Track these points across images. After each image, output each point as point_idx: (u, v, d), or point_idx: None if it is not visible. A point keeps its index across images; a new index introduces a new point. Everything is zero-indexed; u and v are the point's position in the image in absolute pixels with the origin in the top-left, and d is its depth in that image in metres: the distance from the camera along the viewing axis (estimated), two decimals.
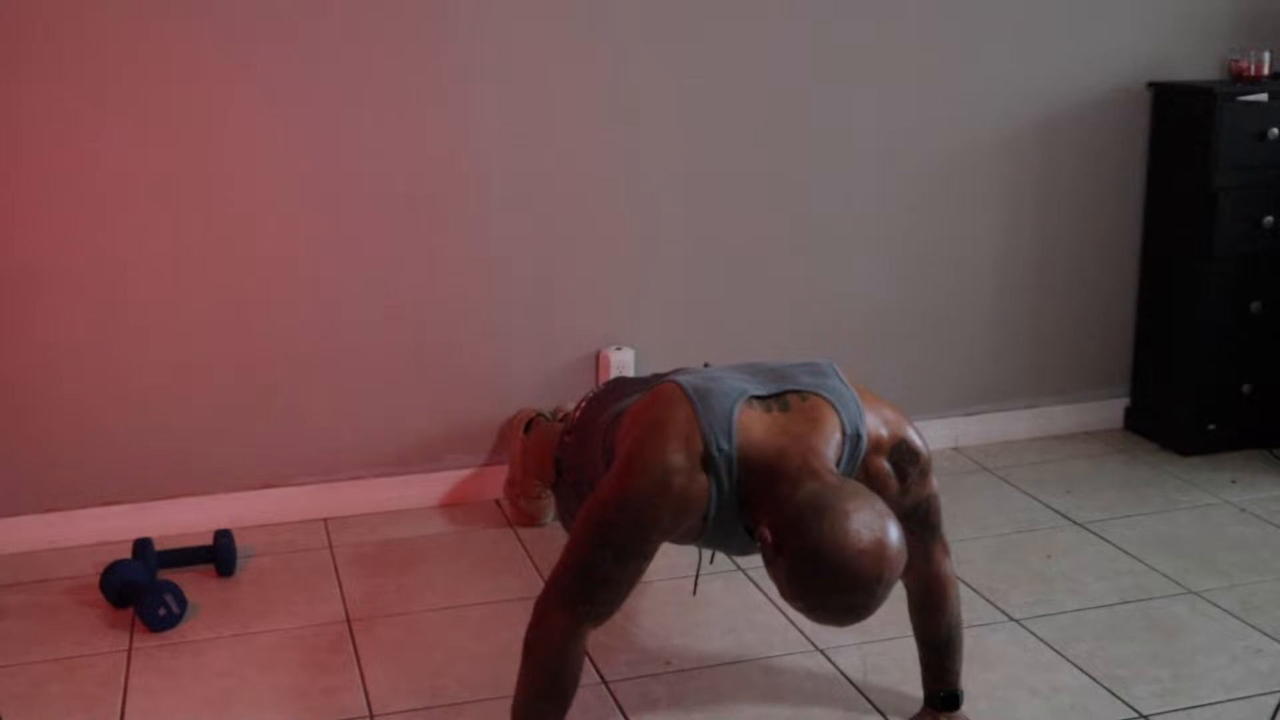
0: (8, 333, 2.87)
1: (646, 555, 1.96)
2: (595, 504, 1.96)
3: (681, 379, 2.01)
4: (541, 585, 2.78)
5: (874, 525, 1.77)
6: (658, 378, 2.40)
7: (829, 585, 1.77)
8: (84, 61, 2.79)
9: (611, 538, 1.93)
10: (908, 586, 2.20)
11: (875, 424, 2.00)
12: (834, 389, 1.99)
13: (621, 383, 2.52)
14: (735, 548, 2.10)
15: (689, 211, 3.27)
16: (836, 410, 1.96)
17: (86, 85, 2.80)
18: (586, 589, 1.96)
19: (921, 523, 2.10)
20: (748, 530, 1.96)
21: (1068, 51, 3.47)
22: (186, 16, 2.83)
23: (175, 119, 2.87)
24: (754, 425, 1.92)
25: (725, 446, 1.90)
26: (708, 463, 1.90)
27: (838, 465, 1.94)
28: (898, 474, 2.03)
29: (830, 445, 1.93)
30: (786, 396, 1.98)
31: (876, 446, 2.00)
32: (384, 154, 3.02)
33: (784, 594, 1.84)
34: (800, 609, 1.83)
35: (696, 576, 2.55)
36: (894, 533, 1.78)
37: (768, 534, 1.83)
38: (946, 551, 2.19)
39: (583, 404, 2.51)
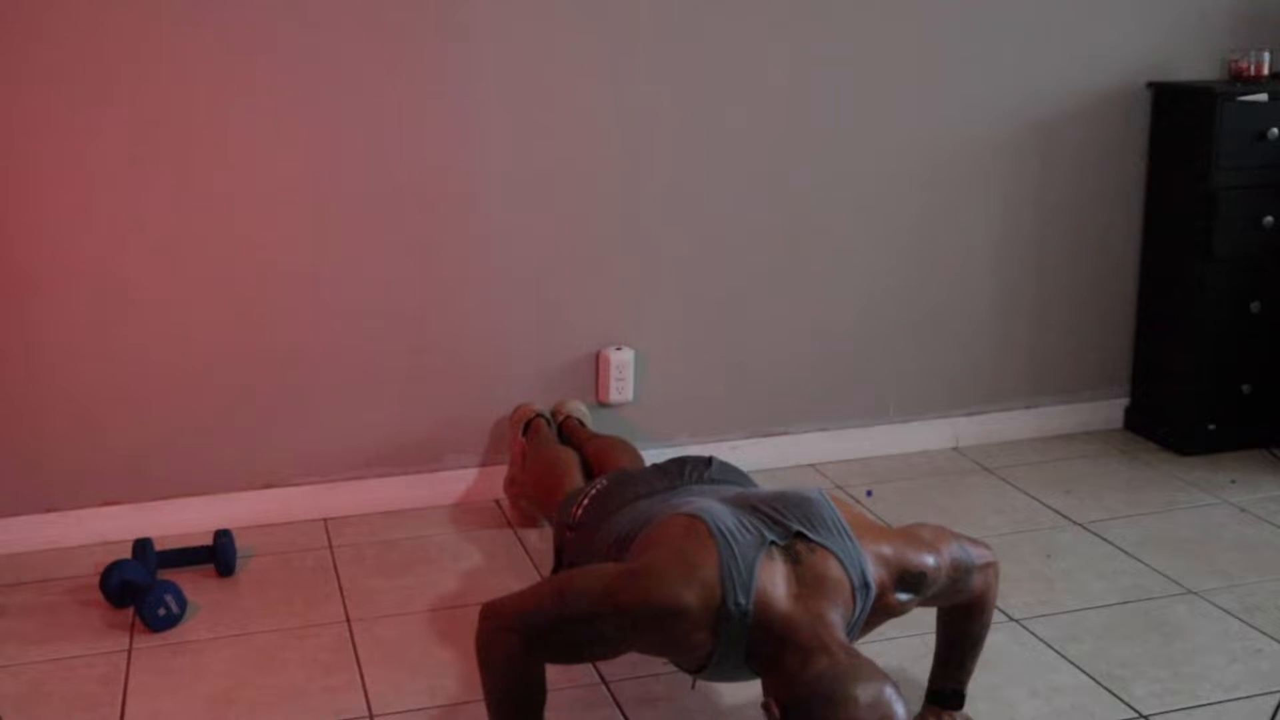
0: (8, 333, 2.87)
1: (618, 652, 1.96)
2: (599, 585, 1.92)
3: (706, 516, 1.98)
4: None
5: (883, 710, 1.76)
6: (671, 490, 2.34)
7: None
8: (84, 63, 2.79)
9: (594, 623, 1.91)
10: None
11: (877, 568, 1.99)
12: (837, 543, 1.97)
13: (624, 484, 2.43)
14: (734, 679, 2.07)
15: (689, 212, 3.27)
16: (843, 565, 1.95)
17: (87, 86, 2.80)
18: (546, 636, 1.94)
19: (955, 579, 2.10)
20: (751, 669, 1.95)
21: (1067, 52, 3.47)
22: (187, 18, 2.83)
23: (175, 121, 2.87)
24: (772, 583, 1.90)
25: (743, 602, 1.88)
26: (719, 615, 1.88)
27: (853, 616, 1.94)
28: (915, 590, 2.03)
29: (840, 609, 1.92)
30: (796, 546, 1.96)
31: (883, 589, 2.00)
32: (384, 154, 3.02)
33: None
34: None
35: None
36: (901, 715, 1.78)
37: (775, 709, 1.82)
38: (988, 565, 2.17)
39: (585, 502, 2.44)
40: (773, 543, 1.94)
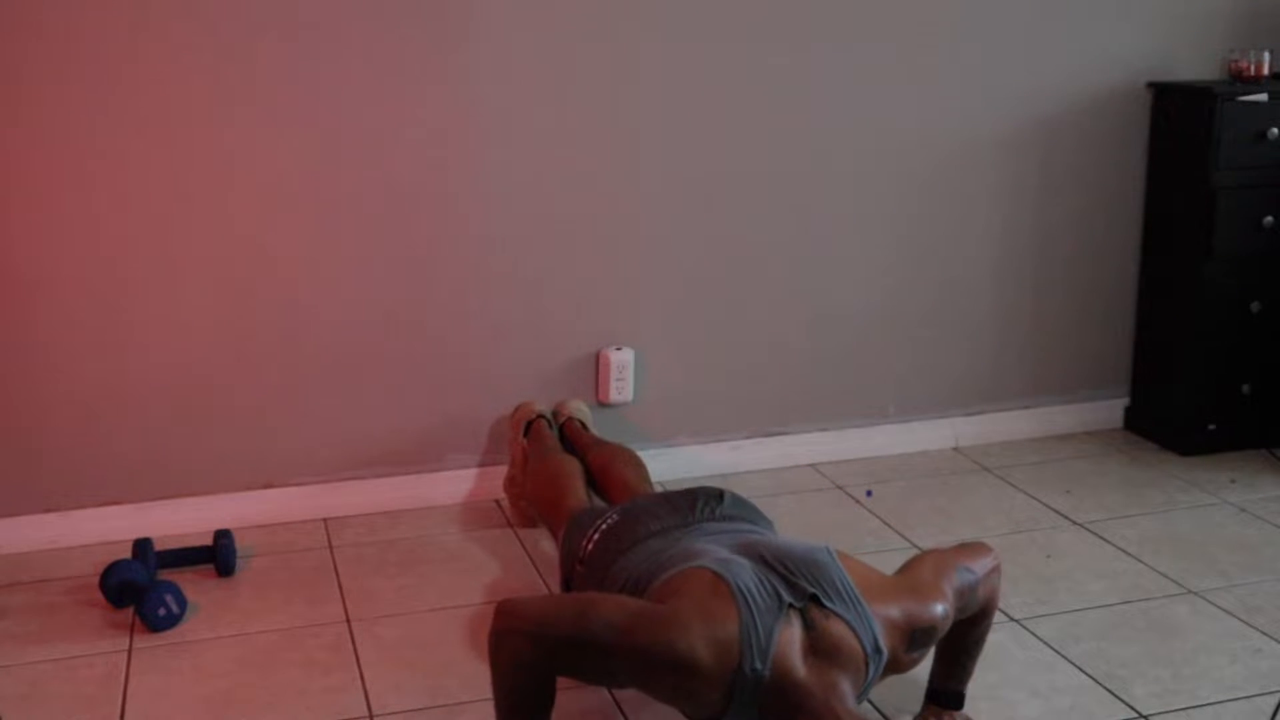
0: (8, 333, 2.87)
1: (624, 686, 1.98)
2: (621, 619, 1.91)
3: (728, 576, 1.97)
4: (541, 585, 2.80)
5: None
6: (683, 528, 2.31)
7: None
8: (84, 63, 2.79)
9: (607, 655, 1.90)
10: None
11: (888, 633, 2.00)
12: (849, 612, 1.97)
13: (636, 520, 2.39)
14: None
15: (689, 211, 3.27)
16: (856, 634, 1.96)
17: (87, 86, 2.80)
18: (558, 653, 1.93)
19: (962, 605, 2.11)
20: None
21: (1068, 51, 3.47)
22: (187, 18, 2.83)
23: (174, 121, 2.87)
24: (789, 649, 1.91)
25: (759, 667, 1.89)
26: (735, 678, 1.88)
27: (865, 682, 1.96)
28: (926, 645, 2.04)
29: (852, 676, 1.93)
30: (812, 612, 1.96)
31: (895, 652, 2.01)
32: (384, 154, 3.02)
33: None
34: None
35: None
36: None
37: None
38: (991, 572, 2.17)
39: (594, 536, 2.41)
40: (790, 605, 1.94)
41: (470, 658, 2.50)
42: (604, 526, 2.41)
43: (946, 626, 2.07)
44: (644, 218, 3.24)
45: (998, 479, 3.41)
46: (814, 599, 1.96)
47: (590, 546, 2.40)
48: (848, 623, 1.96)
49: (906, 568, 2.15)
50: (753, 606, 1.92)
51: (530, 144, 3.11)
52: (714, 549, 2.11)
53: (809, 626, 1.94)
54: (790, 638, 1.92)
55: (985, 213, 3.52)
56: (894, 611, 2.02)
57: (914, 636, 2.03)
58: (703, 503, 2.42)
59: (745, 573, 1.99)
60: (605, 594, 2.01)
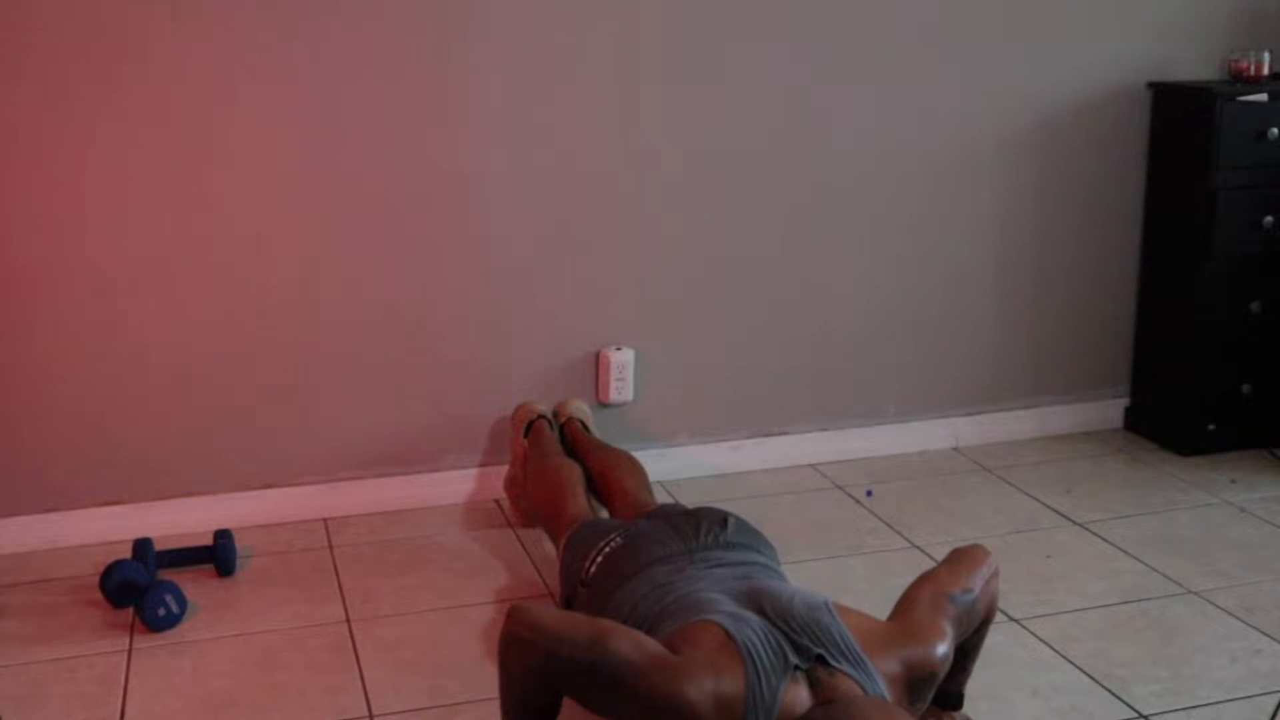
0: (8, 333, 2.87)
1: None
2: (637, 658, 1.90)
3: (736, 634, 1.96)
4: (541, 585, 2.79)
5: None
6: (687, 555, 2.29)
7: None
8: (82, 61, 2.79)
9: (613, 690, 1.89)
10: None
11: (891, 689, 1.98)
12: (853, 671, 1.96)
13: (639, 545, 2.36)
14: None
15: (689, 212, 3.27)
16: (863, 690, 1.94)
17: (85, 85, 2.80)
18: (565, 673, 1.92)
19: (962, 630, 2.10)
20: None
21: (1068, 52, 3.47)
22: (186, 17, 2.83)
23: (173, 119, 2.87)
24: (794, 709, 1.90)
25: None
26: None
27: None
28: (929, 691, 2.03)
29: None
30: (817, 671, 1.95)
31: (898, 704, 1.99)
32: (384, 154, 3.02)
33: None
34: None
35: None
36: None
37: None
38: (989, 580, 2.16)
39: (597, 559, 2.39)
40: (796, 666, 1.94)
41: (470, 658, 2.50)
42: (607, 550, 2.39)
43: (948, 665, 2.05)
44: (644, 218, 3.24)
45: (998, 479, 3.41)
46: (819, 659, 1.95)
47: (593, 569, 2.38)
48: (854, 680, 1.95)
49: (902, 608, 2.11)
50: (759, 666, 1.91)
51: (531, 143, 3.11)
52: (721, 600, 2.10)
53: (815, 684, 1.93)
54: (796, 696, 1.91)
55: (985, 213, 3.52)
56: (894, 666, 2.00)
57: (915, 687, 2.01)
58: (706, 528, 2.39)
59: (753, 631, 1.97)
60: (622, 626, 1.99)
